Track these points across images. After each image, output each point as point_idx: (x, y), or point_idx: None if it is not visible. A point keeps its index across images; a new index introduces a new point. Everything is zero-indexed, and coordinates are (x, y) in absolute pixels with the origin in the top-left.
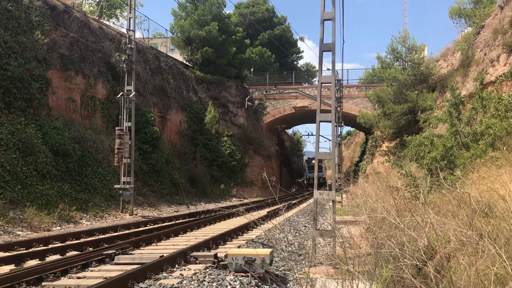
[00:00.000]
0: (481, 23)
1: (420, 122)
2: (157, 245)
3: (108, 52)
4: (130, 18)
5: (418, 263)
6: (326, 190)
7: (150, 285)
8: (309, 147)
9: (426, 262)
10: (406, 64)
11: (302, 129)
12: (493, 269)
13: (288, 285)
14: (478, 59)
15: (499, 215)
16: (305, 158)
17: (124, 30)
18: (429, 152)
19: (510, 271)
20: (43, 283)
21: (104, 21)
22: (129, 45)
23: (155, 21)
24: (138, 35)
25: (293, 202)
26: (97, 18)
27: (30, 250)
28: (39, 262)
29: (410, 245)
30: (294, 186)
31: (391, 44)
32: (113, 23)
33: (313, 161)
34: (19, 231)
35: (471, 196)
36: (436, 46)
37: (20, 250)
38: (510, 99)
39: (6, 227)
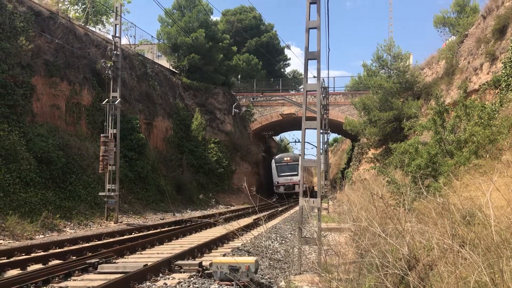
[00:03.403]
0: (464, 32)
1: (405, 129)
2: (141, 254)
3: (94, 58)
4: (116, 24)
5: (400, 272)
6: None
7: None
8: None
9: (408, 271)
10: (392, 72)
11: (289, 136)
12: (473, 277)
13: None
14: (462, 67)
15: (480, 223)
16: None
17: (110, 37)
18: (414, 159)
19: (488, 278)
20: None
21: (90, 28)
22: (115, 52)
23: (142, 28)
24: (124, 41)
25: (280, 209)
26: (83, 24)
27: (11, 259)
28: (20, 271)
29: (393, 254)
30: (274, 195)
31: (376, 52)
32: (99, 29)
33: (286, 158)
34: (0, 239)
35: (454, 204)
36: (421, 54)
37: (1, 260)
38: (493, 107)
39: None
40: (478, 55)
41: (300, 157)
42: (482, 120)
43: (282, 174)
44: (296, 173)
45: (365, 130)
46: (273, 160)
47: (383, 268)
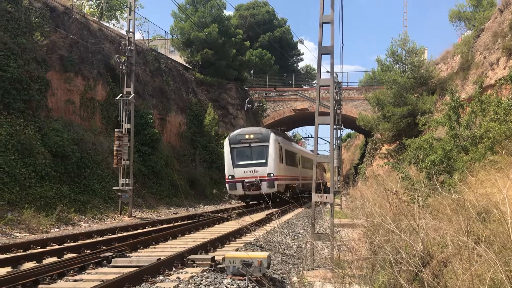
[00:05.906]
0: (480, 26)
1: (419, 125)
2: (155, 248)
3: (108, 53)
4: (130, 20)
5: (413, 268)
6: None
7: None
8: (309, 149)
9: (422, 268)
10: (406, 67)
11: (302, 132)
12: (489, 274)
13: None
14: (477, 62)
15: (496, 220)
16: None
17: (124, 32)
18: (428, 155)
19: (504, 276)
20: (40, 286)
21: (104, 23)
22: (129, 47)
23: (155, 23)
24: (138, 36)
25: (292, 205)
26: (97, 19)
27: (27, 252)
28: (36, 264)
29: (407, 250)
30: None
31: (391, 47)
32: (113, 24)
33: (248, 136)
34: (17, 233)
35: (469, 200)
36: (436, 49)
37: (18, 252)
38: (510, 102)
39: (4, 229)
40: (495, 50)
41: (279, 140)
42: (498, 116)
43: (241, 163)
44: (264, 161)
45: (378, 126)
46: (226, 140)
47: (397, 264)
